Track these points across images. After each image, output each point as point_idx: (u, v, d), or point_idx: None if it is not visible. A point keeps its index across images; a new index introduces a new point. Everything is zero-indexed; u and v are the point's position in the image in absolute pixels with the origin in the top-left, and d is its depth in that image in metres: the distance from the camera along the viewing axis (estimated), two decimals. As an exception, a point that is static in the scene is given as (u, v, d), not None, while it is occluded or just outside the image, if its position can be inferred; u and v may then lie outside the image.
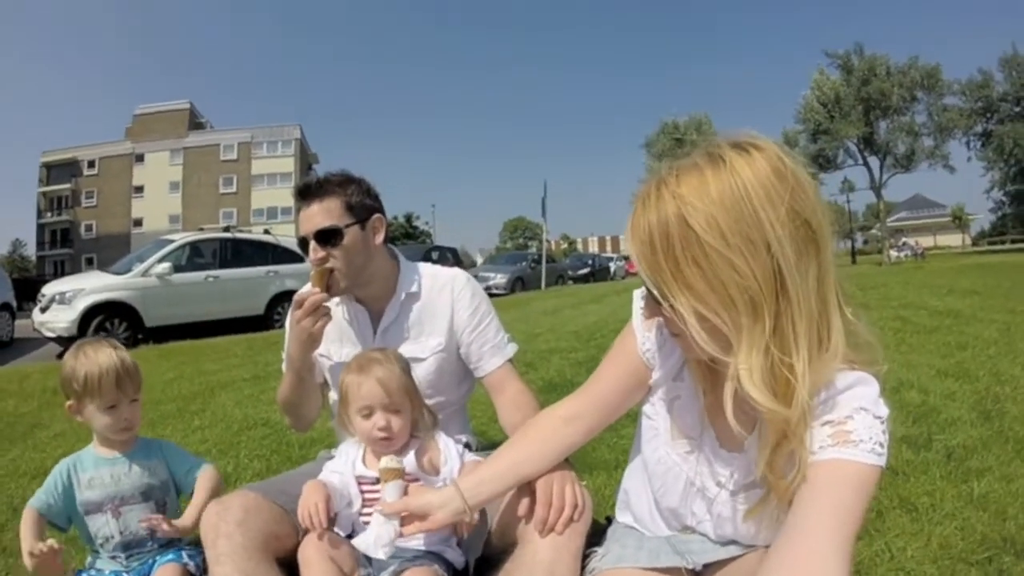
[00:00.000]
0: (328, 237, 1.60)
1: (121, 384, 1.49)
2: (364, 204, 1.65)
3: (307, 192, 1.63)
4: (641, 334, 1.18)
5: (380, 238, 1.69)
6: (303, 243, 1.63)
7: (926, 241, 43.24)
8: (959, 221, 54.44)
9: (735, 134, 0.90)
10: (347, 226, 1.61)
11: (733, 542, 1.11)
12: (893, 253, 28.99)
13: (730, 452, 1.08)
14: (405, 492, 1.32)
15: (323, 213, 1.60)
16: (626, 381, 1.21)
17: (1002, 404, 3.07)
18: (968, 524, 1.85)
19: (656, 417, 1.19)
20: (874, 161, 28.43)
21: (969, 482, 2.15)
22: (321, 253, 1.60)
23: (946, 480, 2.18)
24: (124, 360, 1.51)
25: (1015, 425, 2.73)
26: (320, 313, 1.52)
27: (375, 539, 1.30)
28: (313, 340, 1.56)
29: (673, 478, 1.15)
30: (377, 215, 1.68)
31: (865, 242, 54.78)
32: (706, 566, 1.12)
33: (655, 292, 0.90)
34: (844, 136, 27.27)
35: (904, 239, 36.68)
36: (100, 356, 1.49)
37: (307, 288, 1.53)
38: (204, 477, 1.61)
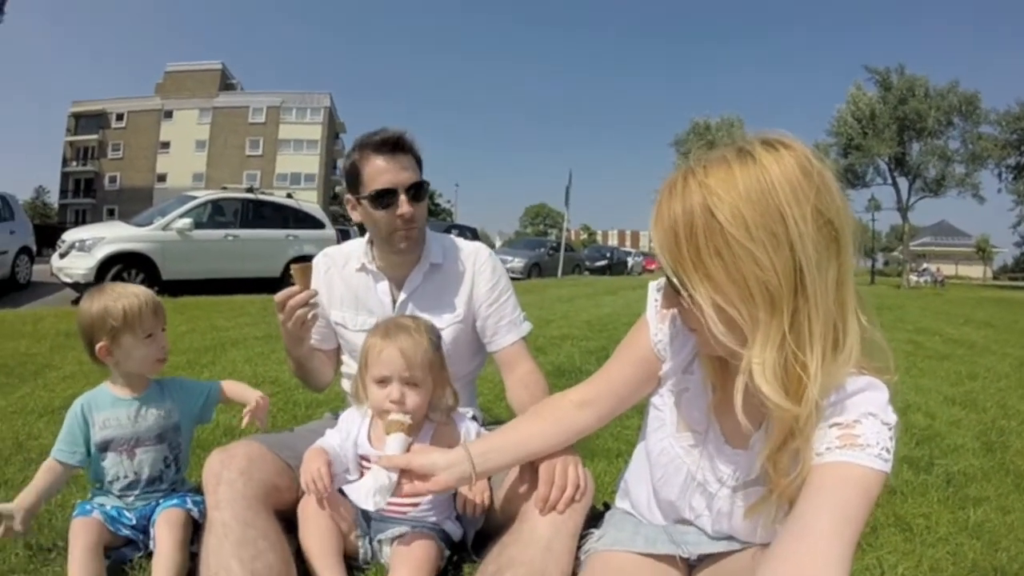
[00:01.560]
0: (418, 191, 1.62)
1: (157, 313, 1.54)
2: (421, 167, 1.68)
3: (399, 144, 1.62)
4: (654, 325, 1.19)
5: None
6: (384, 194, 1.59)
7: (947, 269, 42.61)
8: (983, 253, 53.59)
9: (766, 132, 0.90)
10: (428, 183, 1.65)
11: (730, 538, 1.12)
12: (913, 278, 28.61)
13: (735, 449, 1.09)
14: (407, 449, 1.30)
15: (413, 168, 1.62)
16: (637, 371, 1.22)
17: (1006, 437, 3.05)
18: (960, 550, 1.84)
19: (664, 408, 1.20)
20: (903, 182, 28.00)
21: (966, 509, 2.14)
22: (411, 207, 1.60)
23: (943, 505, 2.17)
24: (151, 292, 1.57)
25: (1017, 459, 2.71)
26: (302, 315, 1.48)
27: (367, 488, 1.27)
28: (300, 338, 1.56)
29: (674, 470, 1.16)
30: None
31: (886, 263, 54.09)
32: (700, 558, 1.13)
33: (675, 281, 0.90)
34: (875, 153, 26.83)
35: (925, 265, 36.19)
36: (132, 290, 1.53)
37: (285, 291, 1.47)
38: (227, 386, 1.69)
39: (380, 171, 1.59)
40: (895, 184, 28.19)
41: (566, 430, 1.26)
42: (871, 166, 28.30)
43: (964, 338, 6.51)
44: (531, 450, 1.26)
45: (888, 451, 0.90)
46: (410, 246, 1.66)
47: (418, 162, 1.65)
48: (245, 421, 1.58)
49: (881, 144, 26.35)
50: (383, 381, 1.40)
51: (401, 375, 1.39)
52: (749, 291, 0.84)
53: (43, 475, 1.46)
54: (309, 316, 1.49)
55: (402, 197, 1.59)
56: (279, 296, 1.47)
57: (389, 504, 1.37)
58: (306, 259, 1.63)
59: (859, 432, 0.90)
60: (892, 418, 0.93)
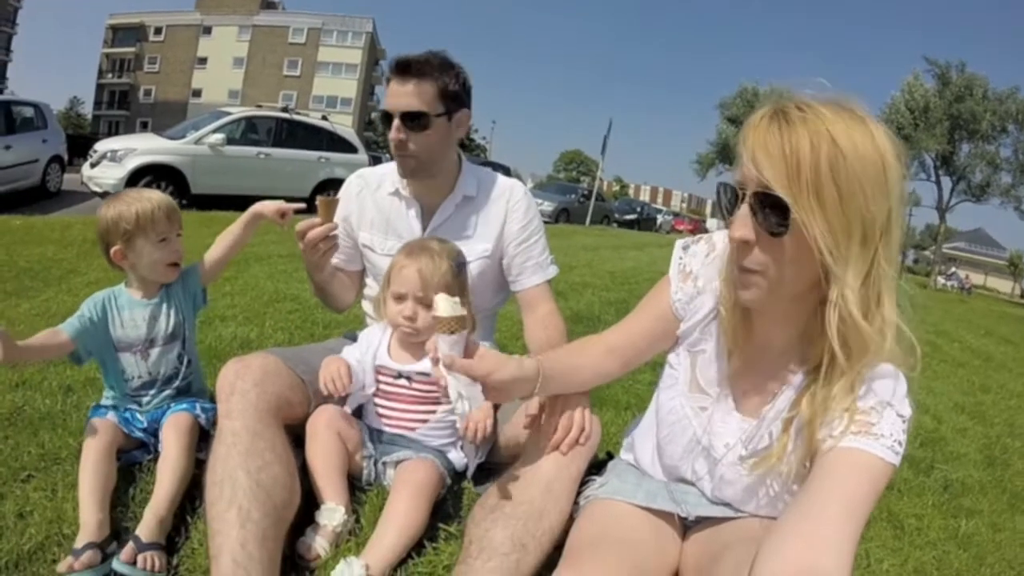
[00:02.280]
0: (415, 120, 1.56)
1: (171, 217, 1.55)
2: (457, 95, 1.61)
3: (406, 68, 1.57)
4: (676, 284, 1.21)
5: (461, 133, 1.66)
6: (387, 117, 1.59)
7: (976, 278, 41.61)
8: (1014, 268, 52.17)
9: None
10: (437, 115, 1.57)
11: (728, 506, 1.13)
12: (940, 280, 28.08)
13: (745, 417, 1.09)
14: (463, 347, 1.13)
15: (417, 95, 1.56)
16: (655, 326, 1.23)
17: (1009, 455, 3.04)
18: (946, 558, 1.85)
19: (678, 367, 1.21)
20: (946, 182, 27.21)
21: (958, 518, 2.14)
22: (402, 134, 1.57)
23: (937, 510, 2.17)
24: (167, 196, 1.58)
25: (1016, 479, 2.71)
26: (323, 248, 1.48)
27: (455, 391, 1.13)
28: (320, 266, 1.56)
29: (680, 430, 1.17)
30: (465, 110, 1.65)
31: (915, 261, 52.99)
32: (698, 519, 1.15)
33: (781, 202, 0.86)
34: (923, 148, 25.94)
35: (954, 269, 35.35)
36: (147, 194, 1.54)
37: (306, 222, 1.47)
38: (206, 257, 1.68)
39: (389, 93, 1.59)
40: (938, 182, 27.41)
41: (598, 373, 1.27)
42: (917, 160, 27.42)
43: (982, 349, 6.41)
44: (577, 381, 1.27)
45: (901, 444, 0.90)
46: (407, 172, 1.64)
47: (440, 89, 1.57)
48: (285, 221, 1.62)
49: (931, 139, 25.47)
50: (400, 298, 1.47)
51: (415, 294, 1.46)
52: (851, 224, 0.86)
53: (41, 334, 1.46)
54: (328, 249, 1.50)
55: (395, 122, 1.57)
56: (300, 226, 1.47)
57: (399, 419, 1.48)
58: (335, 190, 1.64)
59: (875, 420, 0.90)
60: (908, 411, 0.93)
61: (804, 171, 0.85)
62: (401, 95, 1.56)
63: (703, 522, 1.15)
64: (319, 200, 1.47)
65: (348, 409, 1.54)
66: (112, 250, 1.53)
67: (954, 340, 6.62)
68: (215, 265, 1.66)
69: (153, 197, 1.55)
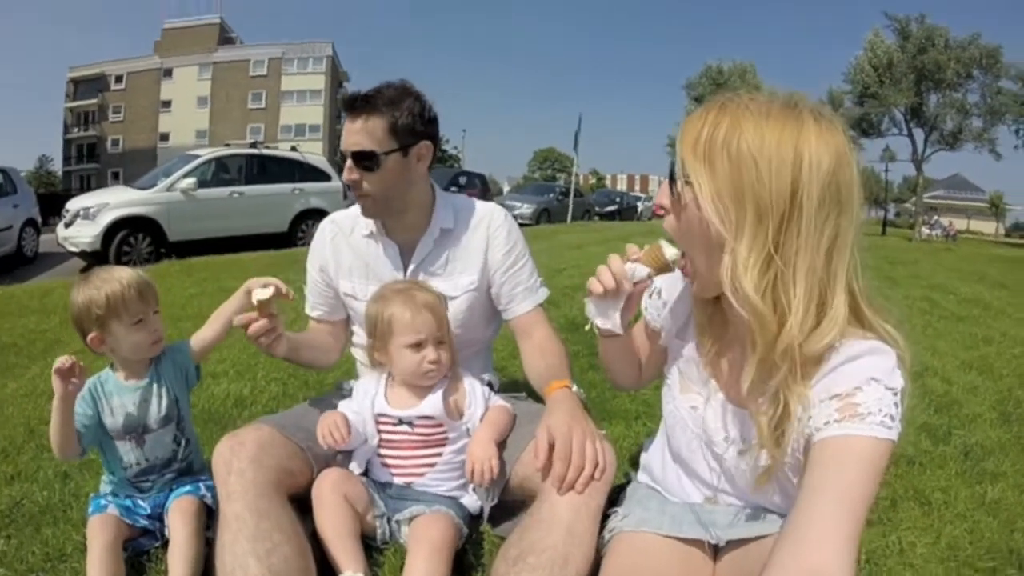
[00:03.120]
0: (365, 160, 1.50)
1: (144, 295, 1.47)
2: (412, 128, 1.52)
3: (352, 105, 1.51)
4: (644, 301, 1.27)
5: (423, 167, 1.58)
6: (343, 157, 1.54)
7: (959, 223, 42.00)
8: (996, 209, 52.69)
9: (822, 105, 0.96)
10: (387, 152, 1.50)
11: (760, 513, 1.11)
12: (924, 230, 28.24)
13: (739, 408, 1.09)
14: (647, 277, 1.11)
15: (364, 133, 1.49)
16: (646, 343, 1.31)
17: (1023, 409, 3.01)
18: (977, 528, 1.82)
19: (670, 374, 1.23)
20: (919, 134, 27.31)
21: (983, 484, 2.12)
22: (355, 175, 1.52)
23: (960, 479, 2.15)
24: (139, 273, 1.50)
25: (1034, 434, 2.67)
26: (265, 341, 1.43)
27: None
28: (274, 352, 1.48)
29: (681, 430, 1.18)
30: (424, 143, 1.56)
31: (897, 214, 53.39)
32: (729, 542, 1.11)
33: (680, 168, 0.94)
34: (892, 103, 26.07)
35: (937, 217, 35.62)
36: (116, 274, 1.47)
37: (244, 316, 1.43)
38: (194, 339, 1.60)
39: (343, 133, 1.55)
40: (911, 135, 27.54)
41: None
42: (887, 116, 27.58)
43: (978, 297, 6.41)
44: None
45: (892, 418, 0.87)
46: (367, 213, 1.60)
47: (390, 125, 1.50)
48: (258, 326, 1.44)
49: (898, 94, 25.61)
50: (418, 345, 1.44)
51: (434, 335, 1.45)
52: (743, 196, 0.89)
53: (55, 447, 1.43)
54: (272, 341, 1.44)
55: (348, 163, 1.52)
56: (238, 321, 1.43)
57: (406, 466, 1.49)
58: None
59: (859, 400, 0.87)
60: (898, 383, 0.90)
61: (702, 142, 0.92)
62: (351, 134, 1.51)
63: (733, 544, 1.11)
64: (255, 300, 1.40)
65: (357, 469, 1.50)
66: (88, 337, 1.46)
67: (949, 292, 6.62)
68: (207, 345, 1.59)
69: (123, 277, 1.46)
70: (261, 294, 1.39)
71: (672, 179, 0.97)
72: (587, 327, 1.16)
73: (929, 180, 37.91)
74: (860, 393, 0.88)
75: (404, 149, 1.52)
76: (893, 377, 0.90)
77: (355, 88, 1.59)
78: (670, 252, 1.05)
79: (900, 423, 0.88)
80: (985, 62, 25.08)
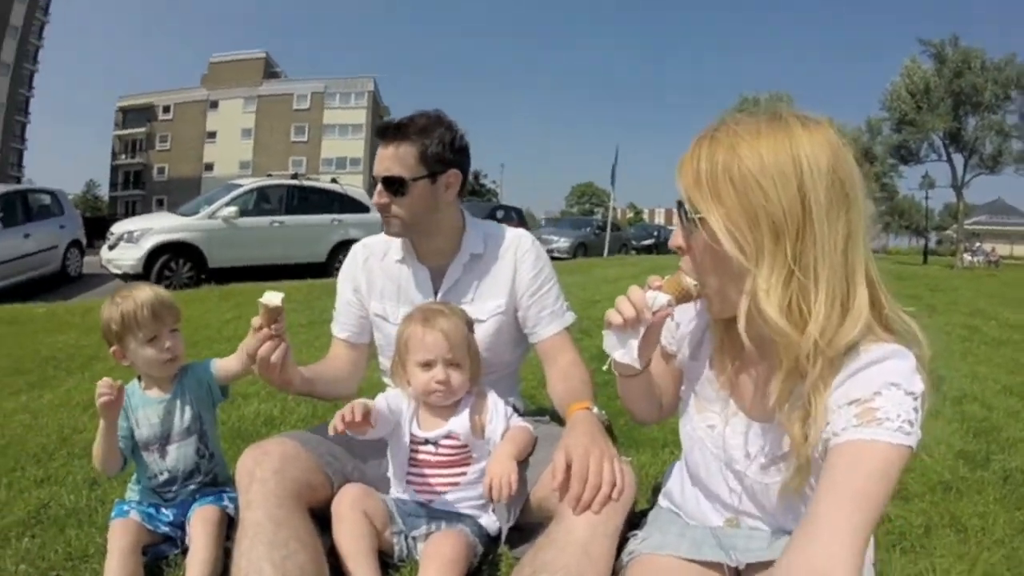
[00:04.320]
0: (394, 185, 1.56)
1: (158, 315, 1.51)
2: (442, 157, 1.58)
3: (385, 133, 1.58)
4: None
5: (451, 194, 1.63)
6: (375, 182, 1.60)
7: (1002, 249, 40.56)
8: (1040, 233, 50.87)
9: (804, 112, 0.97)
10: (416, 179, 1.56)
11: (784, 532, 1.08)
12: (967, 257, 27.40)
13: (758, 423, 1.07)
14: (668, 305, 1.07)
15: (395, 159, 1.56)
16: (664, 367, 1.29)
17: (1066, 435, 2.87)
18: (1016, 555, 1.74)
19: (686, 396, 1.22)
20: (958, 159, 26.69)
21: (1023, 510, 2.02)
22: (384, 199, 1.57)
23: (999, 504, 2.05)
24: (158, 292, 1.55)
25: (1076, 460, 2.54)
26: (276, 363, 1.37)
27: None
28: (290, 384, 1.47)
29: (699, 451, 1.16)
30: (453, 171, 1.62)
31: (939, 242, 51.98)
32: (749, 566, 1.09)
33: (689, 207, 0.96)
34: (930, 129, 25.59)
35: (979, 244, 34.53)
36: (134, 293, 1.52)
37: (252, 342, 1.37)
38: (220, 365, 1.60)
39: (376, 159, 1.60)
40: (950, 160, 26.94)
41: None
42: (925, 142, 27.05)
43: (1022, 323, 6.18)
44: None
45: (911, 423, 0.85)
46: (391, 232, 1.64)
47: (420, 152, 1.55)
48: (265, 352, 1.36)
49: (936, 119, 25.15)
50: (428, 364, 1.45)
51: (444, 357, 1.45)
52: (756, 218, 0.90)
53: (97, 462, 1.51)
54: (272, 358, 1.36)
55: (378, 187, 1.58)
56: (248, 350, 1.38)
57: (429, 484, 1.48)
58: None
59: (878, 405, 0.86)
60: (918, 387, 0.88)
61: (703, 176, 0.94)
62: (382, 160, 1.58)
63: (753, 568, 1.09)
64: (260, 303, 1.33)
65: (396, 487, 1.52)
66: (111, 350, 1.54)
67: (991, 318, 6.40)
68: (230, 375, 1.60)
69: (139, 296, 1.51)
70: (268, 298, 1.32)
71: (683, 219, 0.99)
72: (605, 367, 1.14)
73: (970, 206, 36.95)
74: (879, 398, 0.87)
75: (432, 176, 1.58)
76: (913, 381, 0.88)
77: (392, 119, 1.66)
78: (693, 280, 1.05)
79: (919, 429, 0.86)
80: (1022, 82, 24.49)
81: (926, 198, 29.78)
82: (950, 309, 6.98)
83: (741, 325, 0.95)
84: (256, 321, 1.35)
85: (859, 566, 0.77)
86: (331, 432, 1.33)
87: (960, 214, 28.44)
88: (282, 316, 1.35)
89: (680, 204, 0.99)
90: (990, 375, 3.90)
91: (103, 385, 1.39)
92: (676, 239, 1.04)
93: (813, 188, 0.89)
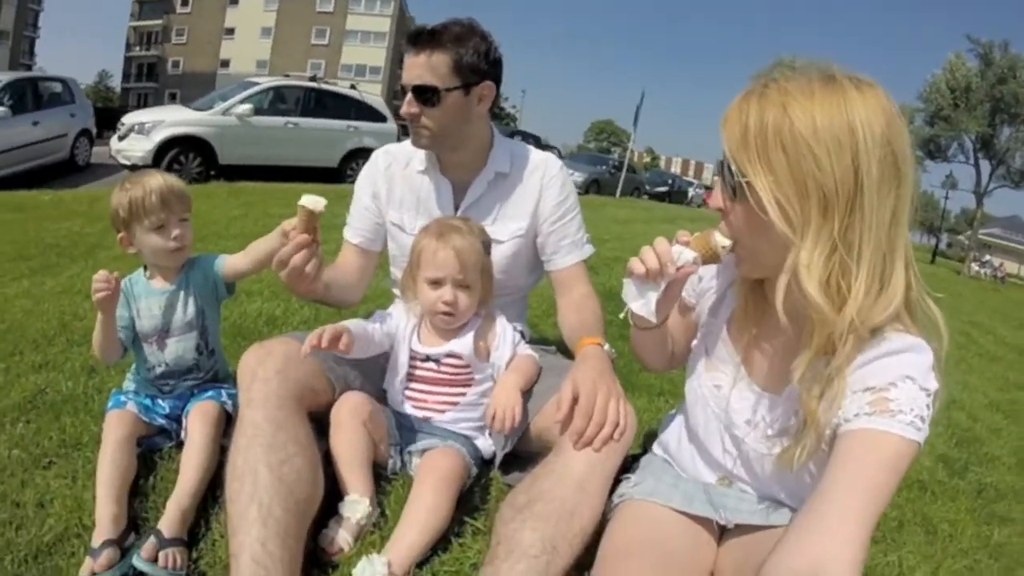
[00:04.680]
0: (426, 95, 1.49)
1: (167, 202, 1.46)
2: (476, 67, 1.51)
3: (418, 39, 1.49)
4: None
5: (483, 107, 1.57)
6: (403, 90, 1.53)
7: (1011, 267, 40.34)
8: (1051, 260, 50.46)
9: (855, 73, 0.92)
10: (449, 89, 1.49)
11: (769, 502, 1.10)
12: (974, 267, 27.31)
13: (767, 393, 1.07)
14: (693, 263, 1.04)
15: (429, 68, 1.48)
16: (678, 319, 1.27)
17: (1043, 461, 2.93)
18: (978, 567, 1.80)
19: (697, 350, 1.21)
20: (985, 165, 26.29)
21: (991, 525, 2.09)
22: (414, 108, 1.51)
23: (970, 515, 2.11)
24: (168, 180, 1.50)
25: (1048, 487, 2.60)
26: (311, 272, 1.30)
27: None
28: (313, 292, 1.42)
29: (701, 408, 1.16)
30: (488, 83, 1.55)
31: (949, 245, 51.61)
32: (737, 526, 1.11)
33: (735, 169, 0.92)
34: (963, 129, 25.07)
35: (988, 256, 34.30)
36: (144, 180, 1.48)
37: (287, 249, 1.27)
38: (229, 263, 1.57)
39: (405, 66, 1.53)
40: (977, 165, 26.52)
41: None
42: (956, 141, 26.55)
43: (1018, 343, 6.24)
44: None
45: (923, 419, 0.85)
46: (420, 144, 1.58)
47: (455, 62, 1.48)
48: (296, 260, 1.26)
49: (971, 120, 24.59)
50: (437, 282, 1.42)
51: (455, 277, 1.41)
52: (806, 188, 0.87)
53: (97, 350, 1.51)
54: (308, 268, 1.29)
55: (408, 96, 1.51)
56: (282, 254, 1.27)
57: (428, 401, 1.48)
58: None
59: (893, 396, 0.85)
60: (932, 384, 0.88)
61: (751, 137, 0.89)
62: (413, 67, 1.49)
63: (741, 529, 1.11)
64: (301, 206, 1.24)
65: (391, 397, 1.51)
66: (118, 237, 1.51)
67: (988, 332, 6.46)
68: (238, 273, 1.57)
69: (150, 183, 1.46)
70: (312, 202, 1.23)
71: (725, 180, 0.95)
72: (622, 315, 1.11)
73: (988, 216, 36.53)
74: (894, 389, 0.86)
75: (466, 88, 1.51)
76: (929, 378, 0.88)
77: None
78: (722, 241, 1.01)
79: (928, 427, 0.86)
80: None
81: (946, 197, 29.51)
82: (951, 315, 6.85)
83: (780, 300, 0.91)
84: (289, 224, 1.28)
85: (860, 559, 0.77)
86: (302, 355, 1.29)
87: (976, 221, 28.23)
88: (318, 222, 1.27)
89: (723, 164, 0.94)
90: (980, 387, 3.96)
91: (99, 279, 1.37)
92: (716, 199, 0.99)
93: (867, 160, 0.85)
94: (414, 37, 1.50)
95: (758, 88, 0.92)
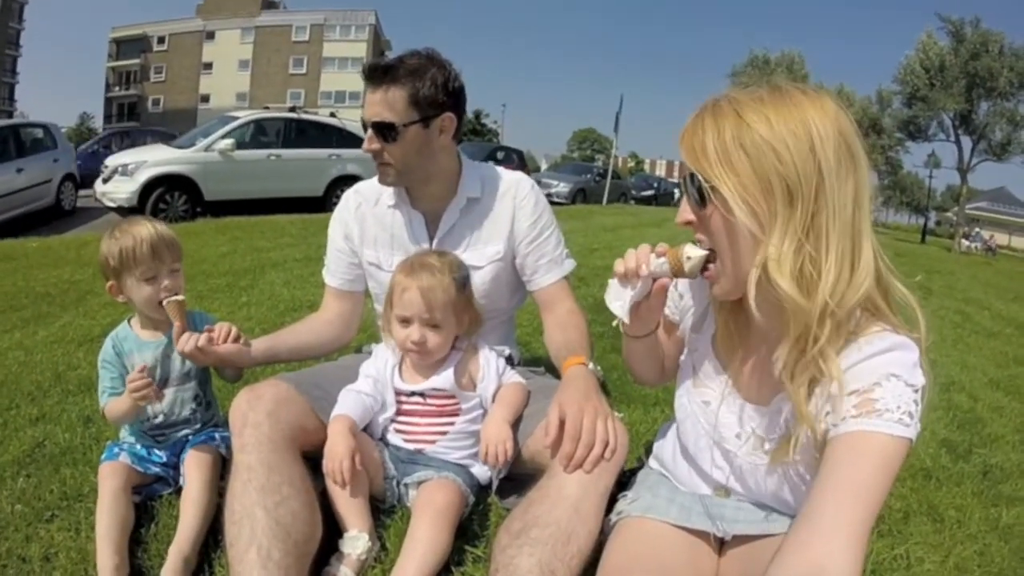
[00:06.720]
0: (385, 131, 1.49)
1: (158, 253, 1.46)
2: (434, 100, 1.50)
3: (373, 75, 1.49)
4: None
5: (446, 139, 1.57)
6: (364, 127, 1.53)
7: (1000, 238, 40.60)
8: (1039, 227, 50.77)
9: (803, 84, 0.98)
10: (407, 124, 1.49)
11: (768, 511, 1.10)
12: (964, 242, 27.44)
13: (754, 405, 1.08)
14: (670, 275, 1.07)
15: (384, 104, 1.48)
16: (666, 334, 1.29)
17: (1047, 436, 2.92)
18: (988, 551, 1.79)
19: (685, 367, 1.22)
20: (966, 142, 26.39)
21: (999, 507, 2.07)
22: (376, 144, 1.51)
23: (976, 498, 2.10)
24: (159, 230, 1.49)
25: (1054, 463, 2.59)
26: (210, 351, 1.48)
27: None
28: (236, 364, 1.56)
29: (691, 424, 1.17)
30: (447, 114, 1.54)
31: (938, 223, 51.88)
32: (736, 537, 1.11)
33: (700, 178, 0.93)
34: (941, 107, 25.18)
35: (978, 230, 34.52)
36: (135, 229, 1.47)
37: (181, 340, 1.46)
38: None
39: (364, 103, 1.53)
40: (958, 142, 26.60)
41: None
42: (935, 120, 26.71)
43: (1014, 316, 6.22)
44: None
45: (911, 415, 0.86)
46: (386, 182, 1.59)
47: (411, 96, 1.48)
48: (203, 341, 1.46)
49: (948, 98, 24.72)
50: (405, 321, 1.42)
51: (422, 317, 1.41)
52: (770, 184, 0.89)
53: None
54: (224, 351, 1.48)
55: (368, 132, 1.52)
56: (179, 348, 1.46)
57: (418, 433, 1.48)
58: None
59: (877, 396, 0.86)
60: (919, 380, 0.89)
61: (710, 146, 0.92)
62: (372, 104, 1.50)
63: (739, 540, 1.11)
64: (167, 304, 1.45)
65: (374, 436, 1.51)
66: (108, 285, 1.51)
67: (984, 308, 6.45)
68: None
69: (140, 233, 1.46)
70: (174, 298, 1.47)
71: (690, 192, 0.97)
72: (614, 323, 1.13)
73: (973, 191, 36.78)
74: (879, 388, 0.87)
75: (425, 121, 1.51)
76: (914, 374, 0.89)
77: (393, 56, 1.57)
78: (695, 253, 1.01)
79: (919, 422, 0.86)
80: (1041, 73, 24.06)
81: (930, 176, 29.79)
82: (945, 293, 7.03)
83: (752, 296, 0.93)
84: (181, 344, 1.44)
85: (859, 561, 0.77)
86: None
87: (962, 197, 28.32)
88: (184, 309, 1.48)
89: (686, 178, 0.97)
90: (979, 366, 3.95)
91: (139, 383, 1.39)
92: (684, 214, 1.01)
93: (823, 148, 0.88)
94: (370, 73, 1.50)
95: (709, 105, 0.96)
